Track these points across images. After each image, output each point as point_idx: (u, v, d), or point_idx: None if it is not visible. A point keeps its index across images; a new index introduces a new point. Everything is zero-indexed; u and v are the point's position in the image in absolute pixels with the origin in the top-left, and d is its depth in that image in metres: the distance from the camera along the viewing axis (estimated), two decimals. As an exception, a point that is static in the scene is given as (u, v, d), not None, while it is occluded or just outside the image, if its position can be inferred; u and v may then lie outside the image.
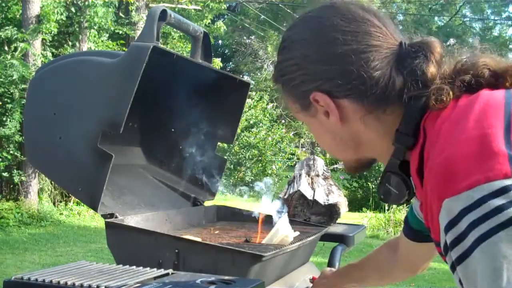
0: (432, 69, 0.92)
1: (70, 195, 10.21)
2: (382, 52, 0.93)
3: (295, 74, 0.98)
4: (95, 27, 10.66)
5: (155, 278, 1.31)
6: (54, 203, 10.29)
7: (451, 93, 0.89)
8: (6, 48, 9.84)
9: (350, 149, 1.01)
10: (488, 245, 0.72)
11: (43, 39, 9.93)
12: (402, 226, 1.36)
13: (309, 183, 2.60)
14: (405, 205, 9.98)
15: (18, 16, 10.08)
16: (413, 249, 1.36)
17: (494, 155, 0.75)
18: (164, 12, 1.71)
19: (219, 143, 2.31)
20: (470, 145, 0.78)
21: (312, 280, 1.65)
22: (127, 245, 1.66)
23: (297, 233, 1.89)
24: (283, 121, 20.97)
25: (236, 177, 15.79)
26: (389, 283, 1.57)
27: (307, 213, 2.49)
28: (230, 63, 32.89)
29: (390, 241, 1.53)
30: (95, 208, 1.64)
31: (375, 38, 0.94)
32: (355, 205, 12.27)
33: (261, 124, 16.09)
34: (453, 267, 0.79)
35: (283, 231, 1.80)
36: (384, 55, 0.93)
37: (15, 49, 9.64)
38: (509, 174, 0.73)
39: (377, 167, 13.11)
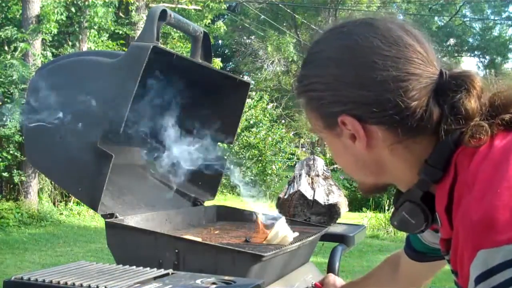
0: (473, 105, 0.87)
1: (70, 195, 10.21)
2: (421, 82, 0.88)
3: (324, 94, 0.92)
4: (95, 27, 10.67)
5: (155, 278, 1.31)
6: (54, 203, 10.29)
7: (489, 131, 0.85)
8: (6, 48, 9.84)
9: (372, 175, 0.97)
10: None
11: (43, 39, 9.93)
12: (404, 245, 1.33)
13: (309, 183, 2.60)
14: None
15: (18, 16, 10.09)
16: (414, 268, 1.34)
17: None
18: (164, 12, 1.71)
19: (219, 143, 2.31)
20: None
21: (315, 286, 1.64)
22: (127, 245, 1.66)
23: (296, 233, 1.88)
24: (283, 121, 20.99)
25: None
26: None
27: (307, 213, 2.49)
28: (230, 63, 32.89)
29: (391, 258, 1.50)
30: (95, 208, 1.64)
31: (415, 66, 0.89)
32: (355, 205, 12.26)
33: (261, 124, 16.09)
34: None
35: (283, 232, 1.80)
36: (424, 85, 0.88)
37: (15, 49, 9.64)
38: None
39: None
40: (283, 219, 1.88)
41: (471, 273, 0.75)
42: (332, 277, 1.56)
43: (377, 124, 0.89)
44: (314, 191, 2.54)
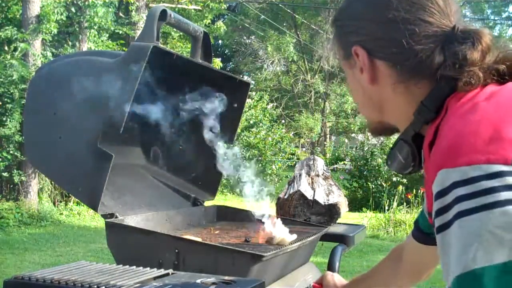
0: (475, 56, 0.93)
1: (70, 195, 10.21)
2: (430, 30, 0.96)
3: (348, 23, 1.04)
4: (95, 27, 10.66)
5: (155, 278, 1.31)
6: (54, 203, 10.29)
7: (481, 78, 0.91)
8: (6, 48, 9.84)
9: (376, 110, 1.05)
10: (466, 221, 0.75)
11: (43, 39, 9.93)
12: (412, 230, 1.36)
13: (309, 183, 2.60)
14: (405, 205, 9.99)
15: (18, 16, 10.08)
16: (419, 253, 1.36)
17: (501, 140, 0.78)
18: (164, 12, 1.71)
19: (219, 143, 2.31)
20: (481, 126, 0.80)
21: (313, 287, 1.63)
22: (127, 245, 1.66)
23: (295, 235, 1.87)
24: (283, 121, 20.98)
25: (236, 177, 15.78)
26: None
27: (307, 213, 2.49)
28: (230, 63, 32.88)
29: (393, 251, 1.52)
30: (95, 208, 1.64)
31: (429, 14, 0.96)
32: (355, 205, 12.26)
33: (261, 124, 16.09)
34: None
35: (280, 234, 1.80)
36: (433, 33, 0.96)
37: (15, 49, 9.64)
38: (509, 161, 0.75)
39: (376, 167, 13.13)
40: (279, 221, 1.88)
41: (433, 192, 0.81)
42: (330, 276, 1.55)
43: (383, 59, 0.99)
44: (314, 191, 2.54)
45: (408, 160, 1.01)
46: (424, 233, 1.30)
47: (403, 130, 1.02)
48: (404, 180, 12.51)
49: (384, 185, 11.28)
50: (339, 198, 2.57)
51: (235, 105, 2.20)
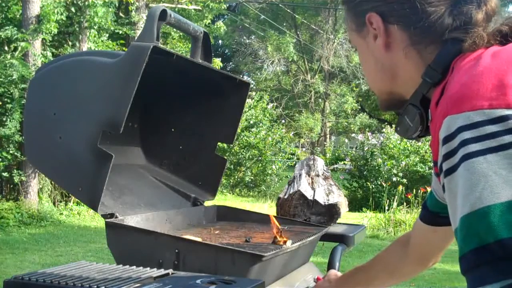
0: (479, 16, 0.98)
1: (70, 195, 10.21)
2: None
3: None
4: (95, 27, 10.66)
5: (155, 278, 1.31)
6: (54, 203, 10.29)
7: (485, 39, 0.94)
8: (6, 48, 9.84)
9: (387, 79, 1.08)
10: (472, 163, 0.77)
11: (43, 39, 9.93)
12: (419, 213, 1.39)
13: (309, 183, 2.60)
14: (405, 205, 9.98)
15: (18, 16, 10.08)
16: (426, 237, 1.37)
17: (503, 86, 0.80)
18: (164, 12, 1.71)
19: (219, 143, 2.31)
20: (484, 76, 0.83)
21: (316, 280, 1.65)
22: (127, 245, 1.66)
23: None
24: (283, 121, 20.98)
25: (236, 177, 15.79)
26: (396, 284, 1.56)
27: (307, 213, 2.49)
28: (230, 63, 32.89)
29: (399, 238, 1.54)
30: (95, 208, 1.64)
31: None
32: (355, 205, 12.27)
33: (261, 124, 16.08)
34: (443, 186, 0.85)
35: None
36: None
37: (15, 49, 9.63)
38: (511, 105, 0.78)
39: (376, 167, 13.14)
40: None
41: (439, 139, 0.84)
42: (334, 271, 1.60)
43: (396, 23, 1.02)
44: (314, 191, 2.54)
45: (416, 123, 1.03)
46: (432, 213, 1.32)
47: (411, 95, 1.04)
48: (404, 180, 12.53)
49: (384, 185, 11.28)
50: (339, 198, 2.57)
51: (235, 105, 2.20)
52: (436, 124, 0.87)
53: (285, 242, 1.74)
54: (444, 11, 0.99)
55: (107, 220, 1.67)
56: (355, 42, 1.12)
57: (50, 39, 10.14)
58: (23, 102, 9.19)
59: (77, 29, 10.61)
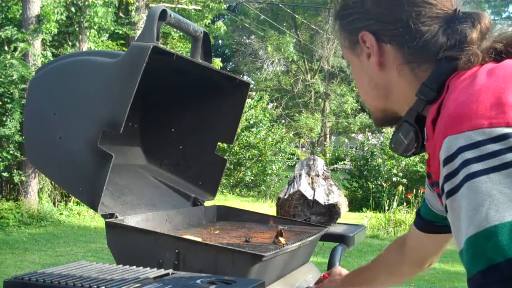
0: (474, 35, 0.97)
1: (70, 195, 10.21)
2: (434, 11, 1.00)
3: (354, 10, 1.06)
4: (95, 27, 10.66)
5: (155, 278, 1.31)
6: (54, 203, 10.29)
7: (480, 57, 0.94)
8: (6, 48, 9.84)
9: (381, 96, 1.08)
10: (476, 183, 0.77)
11: (43, 39, 9.93)
12: (414, 219, 1.39)
13: (309, 183, 2.60)
14: (405, 205, 9.98)
15: (18, 16, 10.08)
16: (421, 242, 1.38)
17: (502, 105, 0.80)
18: (164, 12, 1.71)
19: (219, 143, 2.31)
20: (481, 94, 0.83)
21: (323, 278, 1.65)
22: (127, 245, 1.65)
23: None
24: (283, 121, 20.97)
25: (236, 177, 15.79)
26: (396, 283, 1.57)
27: (307, 213, 2.49)
28: (230, 63, 32.88)
29: (397, 239, 1.55)
30: (95, 208, 1.63)
31: None
32: (355, 205, 12.27)
33: (261, 124, 16.08)
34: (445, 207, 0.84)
35: None
36: (436, 15, 1.00)
37: (15, 49, 9.63)
38: (511, 124, 0.78)
39: (376, 167, 13.13)
40: None
41: (440, 160, 0.84)
42: (339, 269, 1.62)
43: (389, 42, 1.02)
44: (314, 191, 2.54)
45: (411, 140, 1.03)
46: (425, 220, 1.32)
47: (406, 113, 1.04)
48: (404, 180, 12.52)
49: (384, 185, 11.29)
50: (339, 198, 2.57)
51: (235, 105, 2.20)
52: (436, 145, 0.86)
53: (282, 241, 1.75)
54: (438, 30, 0.99)
55: (107, 220, 1.67)
56: (349, 59, 1.11)
57: (50, 39, 10.14)
58: (23, 102, 9.19)
59: (77, 29, 10.60)
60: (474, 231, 0.75)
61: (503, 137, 0.78)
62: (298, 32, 29.35)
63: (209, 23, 14.48)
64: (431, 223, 1.30)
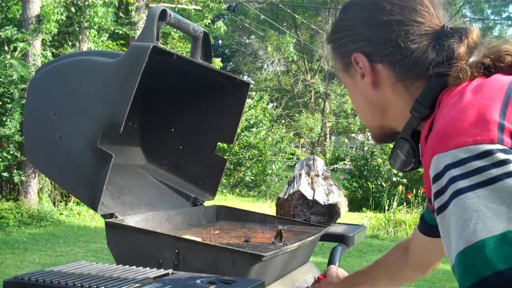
0: (461, 50, 0.99)
1: (70, 195, 10.21)
2: (423, 29, 1.02)
3: (345, 33, 1.09)
4: (95, 27, 10.66)
5: (155, 278, 1.31)
6: (54, 203, 10.29)
7: (469, 72, 0.96)
8: (6, 48, 9.84)
9: (377, 114, 1.10)
10: (463, 199, 0.79)
11: (43, 39, 9.92)
12: (418, 223, 1.40)
13: (309, 183, 2.60)
14: (405, 205, 9.98)
15: (18, 16, 10.08)
16: (425, 246, 1.39)
17: (486, 122, 0.82)
18: (164, 12, 1.71)
19: (219, 143, 2.31)
20: (467, 112, 0.85)
21: (318, 279, 1.64)
22: (127, 245, 1.65)
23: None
24: (283, 121, 20.97)
25: (236, 177, 15.79)
26: (396, 287, 1.57)
27: (307, 213, 2.49)
28: (230, 63, 32.88)
29: (400, 243, 1.55)
30: (95, 208, 1.63)
31: (419, 15, 1.03)
32: (355, 205, 12.27)
33: (261, 124, 16.08)
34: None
35: None
36: (424, 32, 1.02)
37: (15, 49, 9.63)
38: (495, 140, 0.80)
39: (376, 167, 13.13)
40: None
41: (430, 178, 0.86)
42: (334, 269, 1.61)
43: (381, 62, 1.04)
44: (314, 191, 2.54)
45: (409, 157, 1.05)
46: (429, 225, 1.34)
47: (402, 129, 1.06)
48: (404, 180, 12.52)
49: (384, 185, 11.29)
50: (339, 198, 2.57)
51: (235, 105, 2.20)
52: (426, 162, 0.88)
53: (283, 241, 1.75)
54: (428, 46, 1.01)
55: (107, 220, 1.67)
56: (343, 80, 1.14)
57: (50, 39, 10.14)
58: (23, 102, 9.19)
59: (77, 29, 10.60)
60: (463, 246, 0.78)
61: (487, 154, 0.80)
62: (298, 32, 29.36)
63: (209, 23, 14.48)
64: (434, 227, 1.30)
